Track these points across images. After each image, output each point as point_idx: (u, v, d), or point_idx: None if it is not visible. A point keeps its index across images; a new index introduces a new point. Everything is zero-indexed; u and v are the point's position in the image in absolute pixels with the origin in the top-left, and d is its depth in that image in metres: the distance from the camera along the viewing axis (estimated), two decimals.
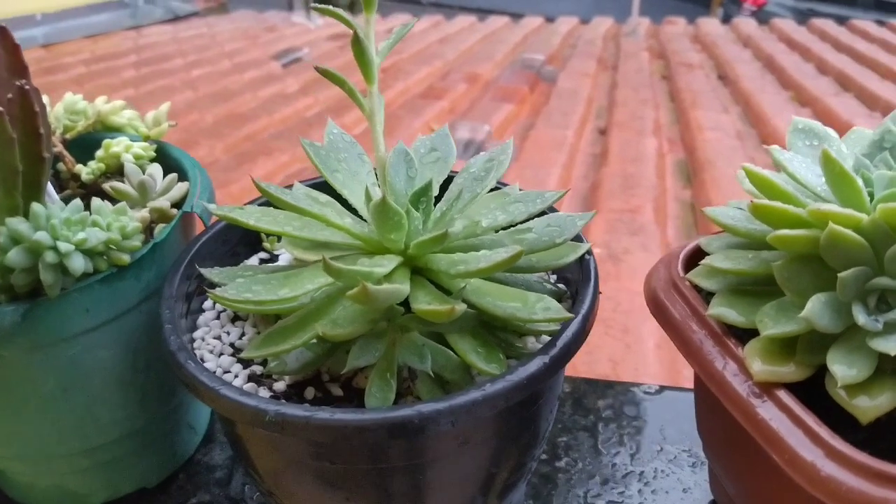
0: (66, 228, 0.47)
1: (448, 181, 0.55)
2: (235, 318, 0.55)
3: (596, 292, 0.50)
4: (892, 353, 0.39)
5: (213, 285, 0.57)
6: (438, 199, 0.52)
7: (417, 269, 0.49)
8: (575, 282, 0.55)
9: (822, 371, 0.43)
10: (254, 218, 0.50)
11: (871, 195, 0.44)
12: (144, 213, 0.55)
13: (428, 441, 0.44)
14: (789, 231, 0.41)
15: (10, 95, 0.48)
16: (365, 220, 0.52)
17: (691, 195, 2.88)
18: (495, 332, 0.49)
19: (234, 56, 5.32)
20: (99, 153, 0.63)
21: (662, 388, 0.74)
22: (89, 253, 0.49)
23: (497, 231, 0.51)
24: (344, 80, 0.50)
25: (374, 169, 0.56)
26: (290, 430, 0.41)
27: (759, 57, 5.51)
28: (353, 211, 0.54)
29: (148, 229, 0.58)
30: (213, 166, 3.00)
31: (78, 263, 0.47)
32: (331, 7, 0.51)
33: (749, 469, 0.50)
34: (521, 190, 0.56)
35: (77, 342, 0.52)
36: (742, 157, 3.11)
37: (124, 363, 0.56)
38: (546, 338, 0.51)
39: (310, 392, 0.48)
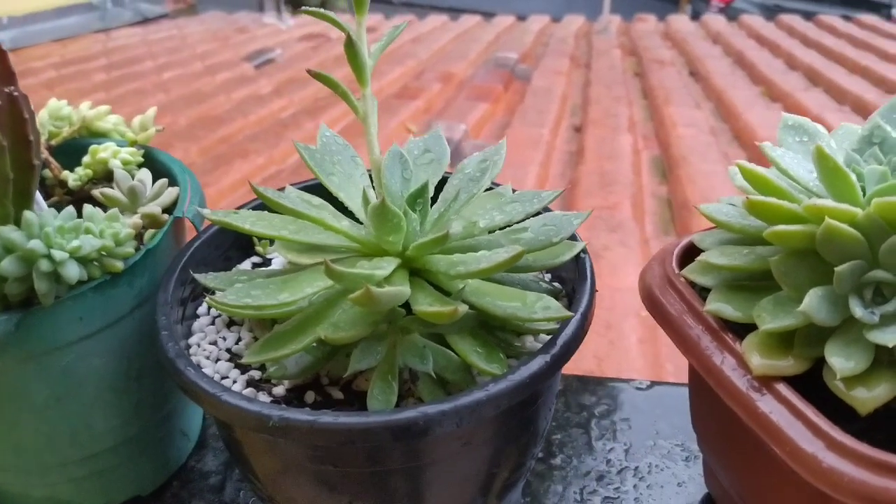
0: (59, 236, 0.47)
1: (442, 182, 0.55)
2: (231, 324, 0.54)
3: (593, 290, 0.50)
4: (889, 345, 0.39)
5: (206, 290, 0.57)
6: (433, 200, 0.52)
7: (415, 271, 0.49)
8: (570, 280, 0.56)
9: (817, 364, 0.44)
10: (249, 222, 0.50)
11: (863, 190, 0.45)
12: (136, 219, 0.54)
13: (432, 442, 0.44)
14: (786, 226, 0.42)
15: None
16: (361, 223, 0.52)
17: (668, 191, 2.91)
18: (494, 331, 0.49)
19: (205, 58, 5.28)
20: (86, 159, 0.62)
21: (653, 384, 0.74)
22: (83, 260, 0.48)
23: (492, 231, 0.51)
24: (337, 83, 0.50)
25: (368, 171, 0.56)
26: (293, 435, 0.41)
27: (729, 53, 5.58)
28: (348, 214, 0.54)
29: (138, 235, 0.57)
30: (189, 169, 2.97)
31: (73, 271, 0.47)
32: (321, 10, 0.51)
33: (746, 462, 0.51)
34: (514, 191, 0.57)
35: (70, 351, 0.51)
36: (716, 153, 3.15)
37: (118, 371, 0.55)
38: (544, 336, 0.51)
39: (310, 396, 0.48)
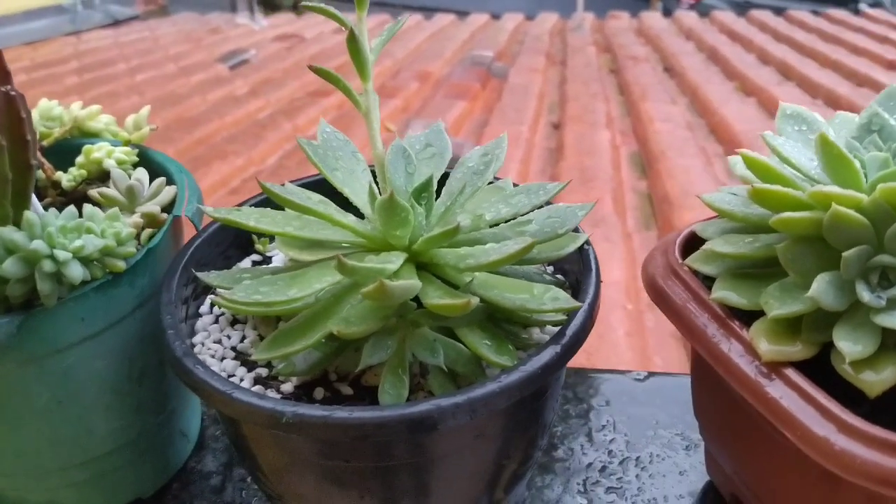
0: (62, 236, 0.46)
1: (443, 177, 0.55)
2: (234, 322, 0.54)
3: (598, 281, 0.51)
4: None
5: (207, 289, 0.56)
6: (436, 194, 0.52)
7: (421, 265, 0.49)
8: (572, 272, 0.56)
9: (822, 350, 0.44)
10: (253, 219, 0.50)
11: (865, 176, 0.45)
12: (136, 218, 0.54)
13: (445, 435, 0.44)
14: (793, 213, 0.42)
15: None
16: (364, 218, 0.52)
17: (647, 186, 2.93)
18: (500, 324, 0.49)
19: (178, 59, 5.24)
20: (79, 159, 0.61)
21: (650, 375, 0.75)
22: (85, 260, 0.48)
23: (497, 224, 0.51)
24: (339, 78, 0.50)
25: (369, 166, 0.56)
26: (307, 431, 0.41)
27: (702, 49, 5.63)
28: (351, 209, 0.53)
29: (136, 236, 0.56)
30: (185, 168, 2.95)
31: (76, 272, 0.46)
32: (323, 5, 0.50)
33: (751, 448, 0.51)
34: (515, 185, 0.57)
35: (72, 353, 0.51)
36: (694, 147, 3.18)
37: (119, 372, 0.54)
38: (550, 328, 0.51)
39: (319, 392, 0.48)
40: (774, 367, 0.44)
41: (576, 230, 0.54)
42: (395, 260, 0.46)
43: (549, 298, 0.46)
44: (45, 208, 0.52)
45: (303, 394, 0.48)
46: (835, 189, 0.42)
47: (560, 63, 5.28)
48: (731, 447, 0.56)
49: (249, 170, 3.08)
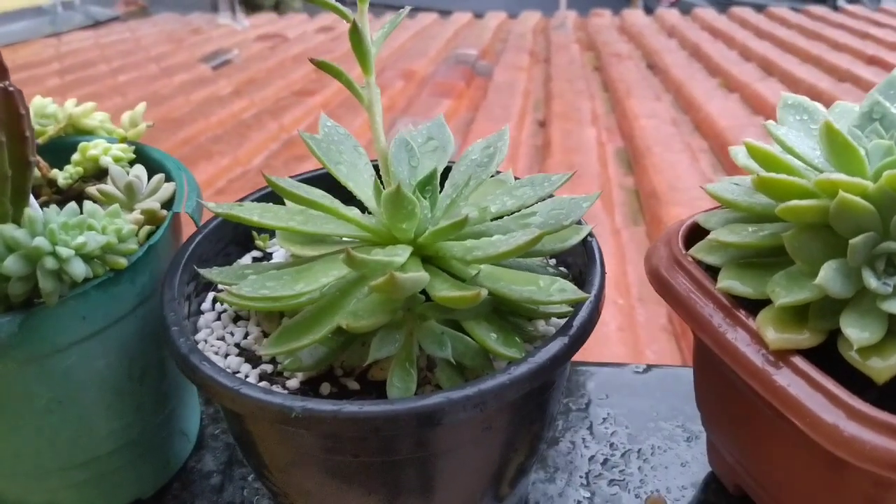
0: (64, 233, 0.46)
1: (445, 170, 0.55)
2: (237, 318, 0.53)
3: (603, 272, 0.51)
4: None
5: (208, 286, 0.56)
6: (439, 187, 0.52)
7: (426, 258, 0.49)
8: (574, 264, 0.56)
9: (827, 337, 0.44)
10: (256, 214, 0.49)
11: (868, 164, 0.45)
12: (137, 215, 0.53)
13: (455, 428, 0.44)
14: (800, 202, 0.43)
15: None
16: (369, 212, 0.52)
17: (634, 182, 2.94)
18: (506, 316, 0.49)
19: (160, 60, 5.20)
20: (75, 157, 0.60)
21: (650, 367, 0.75)
22: (87, 258, 0.47)
23: (501, 217, 0.51)
24: (341, 71, 0.50)
25: (371, 160, 0.56)
26: (316, 426, 0.41)
27: (684, 46, 5.66)
28: (352, 204, 0.53)
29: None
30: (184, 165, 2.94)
31: (79, 269, 0.45)
32: None
33: (757, 437, 0.52)
34: (516, 178, 0.57)
35: (73, 351, 0.50)
36: (679, 143, 3.19)
37: (120, 371, 0.54)
38: (555, 320, 0.51)
39: (325, 388, 0.47)
40: (782, 356, 0.44)
41: (578, 222, 0.54)
42: (401, 253, 0.45)
43: (556, 290, 0.46)
44: (42, 206, 0.51)
45: (309, 389, 0.48)
46: (841, 177, 0.42)
47: (544, 61, 5.29)
48: (735, 437, 0.56)
49: (235, 170, 3.06)
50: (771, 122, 0.50)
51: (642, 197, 2.72)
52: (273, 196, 0.59)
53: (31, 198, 0.53)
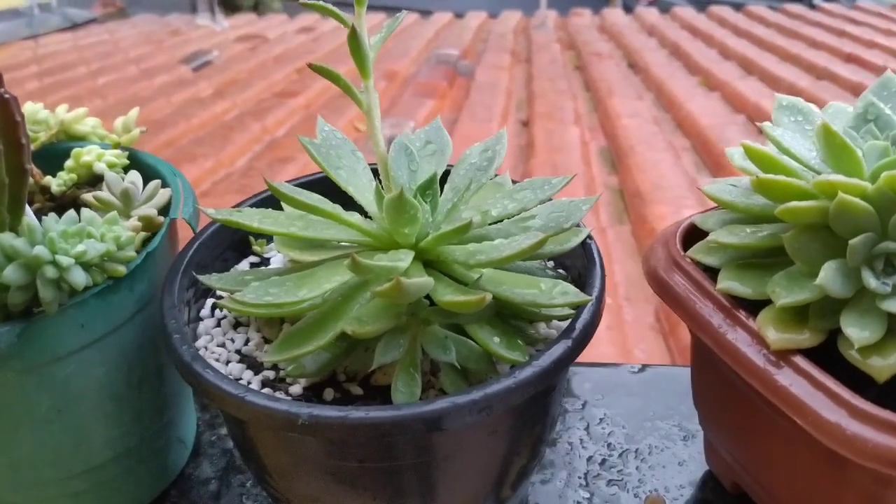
0: (63, 241, 0.45)
1: (444, 173, 0.55)
2: (237, 325, 0.53)
3: (604, 274, 0.51)
4: None
5: (206, 292, 0.55)
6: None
7: (427, 262, 0.49)
8: (573, 267, 0.56)
9: (827, 337, 0.45)
10: (256, 220, 0.49)
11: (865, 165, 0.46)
12: (135, 221, 0.53)
13: (461, 432, 0.44)
14: (799, 203, 0.43)
15: None
16: (369, 217, 0.52)
17: (619, 181, 2.96)
18: (508, 319, 0.49)
19: (140, 62, 5.16)
20: (69, 163, 0.60)
21: (644, 367, 0.76)
22: (86, 266, 0.47)
23: (501, 220, 0.51)
24: (339, 75, 0.50)
25: (369, 165, 0.56)
26: (323, 432, 0.41)
27: (664, 45, 5.70)
28: (351, 208, 0.53)
29: None
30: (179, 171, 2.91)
31: (79, 277, 0.45)
32: (321, 3, 0.50)
33: (755, 435, 0.52)
34: (514, 182, 0.57)
35: (72, 360, 0.50)
36: (662, 142, 3.21)
37: (119, 379, 0.53)
38: (557, 323, 0.51)
39: (329, 393, 0.47)
40: (783, 355, 0.44)
41: (577, 225, 0.54)
42: (404, 258, 0.45)
43: (558, 293, 0.46)
44: (35, 213, 0.51)
45: (312, 395, 0.47)
46: (840, 178, 0.42)
47: (525, 61, 5.31)
48: (734, 435, 0.56)
49: (219, 172, 3.04)
50: (767, 123, 0.50)
51: (627, 196, 2.74)
52: (270, 201, 0.58)
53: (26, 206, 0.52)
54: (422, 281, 0.42)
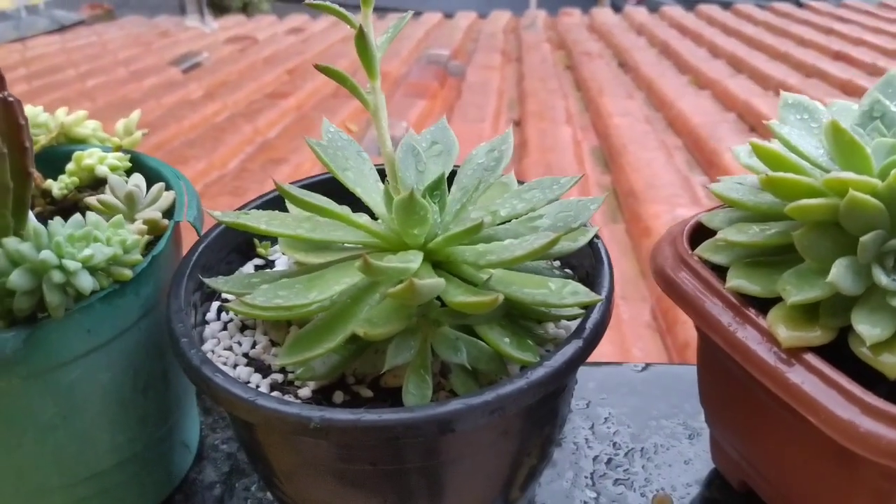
0: (70, 245, 0.45)
1: (451, 174, 0.55)
2: (244, 328, 0.53)
3: (612, 273, 0.51)
4: None
5: (212, 295, 0.55)
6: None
7: (435, 263, 0.49)
8: (581, 266, 0.56)
9: (838, 334, 0.45)
10: (264, 222, 0.49)
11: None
12: (140, 225, 0.52)
13: (474, 434, 0.44)
14: (809, 200, 0.43)
15: None
16: (376, 218, 0.51)
17: (612, 180, 2.96)
18: (517, 320, 0.49)
19: (129, 64, 5.14)
20: (70, 167, 0.59)
21: (647, 366, 0.76)
22: (93, 270, 0.46)
23: (509, 220, 0.51)
24: (346, 76, 0.49)
25: (375, 166, 0.55)
26: (336, 435, 0.40)
27: (654, 44, 5.71)
28: (357, 209, 0.53)
29: None
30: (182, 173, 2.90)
31: (86, 282, 0.45)
32: (327, 3, 0.50)
33: (763, 432, 0.52)
34: (521, 182, 0.57)
35: (77, 365, 0.49)
36: (654, 141, 3.22)
37: (125, 384, 0.53)
38: (565, 323, 0.51)
39: (338, 396, 0.47)
40: (794, 353, 0.44)
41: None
42: (414, 259, 0.45)
43: (568, 292, 0.46)
44: (37, 217, 0.50)
45: (322, 398, 0.47)
46: (851, 176, 0.42)
47: (516, 60, 5.31)
48: (741, 433, 0.56)
49: (211, 174, 3.03)
50: (774, 121, 0.50)
51: (620, 195, 2.74)
52: (274, 202, 0.58)
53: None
54: (434, 282, 0.41)
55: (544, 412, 0.48)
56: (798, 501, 0.52)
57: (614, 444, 0.67)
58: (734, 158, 0.54)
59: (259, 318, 0.50)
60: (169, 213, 0.57)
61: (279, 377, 0.48)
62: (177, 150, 3.28)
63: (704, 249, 0.52)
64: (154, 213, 0.54)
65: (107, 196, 0.54)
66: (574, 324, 0.48)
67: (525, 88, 4.34)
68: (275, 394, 0.47)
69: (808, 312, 0.45)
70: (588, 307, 0.47)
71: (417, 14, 7.30)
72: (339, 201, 0.52)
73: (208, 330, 0.53)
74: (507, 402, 0.41)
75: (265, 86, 4.38)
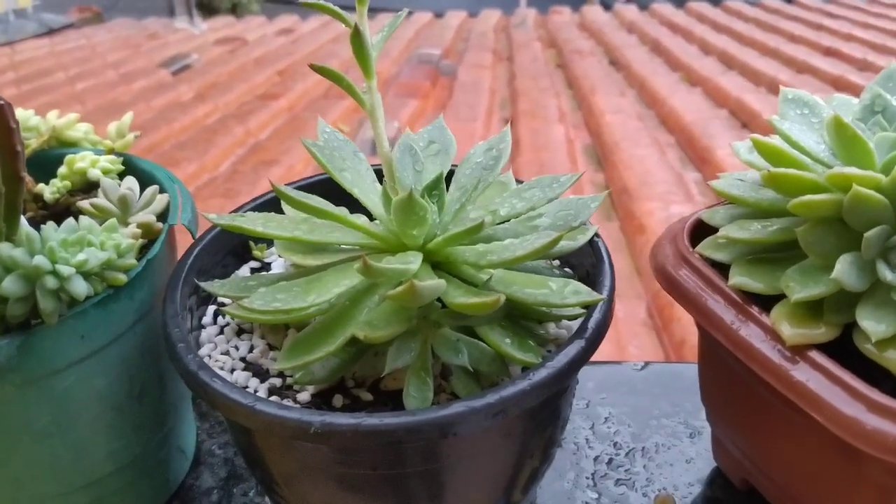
0: (63, 250, 0.44)
1: (449, 173, 0.54)
2: (240, 332, 0.52)
3: (613, 272, 0.50)
4: None
5: (207, 299, 0.54)
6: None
7: (435, 264, 0.48)
8: (581, 265, 0.56)
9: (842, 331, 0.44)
10: (260, 225, 0.48)
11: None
12: (133, 228, 0.52)
13: (476, 436, 0.43)
14: (813, 196, 0.43)
15: None
16: (374, 219, 0.51)
17: (605, 178, 2.96)
18: (518, 320, 0.49)
19: (118, 66, 5.11)
20: (62, 170, 0.59)
21: (647, 364, 0.75)
22: (87, 275, 0.45)
23: (509, 220, 0.51)
24: (342, 76, 0.49)
25: (372, 166, 0.55)
26: (337, 440, 0.40)
27: (645, 41, 5.72)
28: (354, 210, 0.52)
29: None
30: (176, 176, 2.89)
31: (80, 287, 0.44)
32: (322, 3, 0.49)
33: (766, 430, 0.52)
34: (518, 181, 0.56)
35: (72, 372, 0.48)
36: (647, 138, 3.22)
37: (120, 390, 0.52)
38: (566, 323, 0.51)
39: (338, 400, 0.46)
40: (798, 350, 0.44)
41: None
42: (413, 260, 0.45)
43: (569, 292, 0.46)
44: (29, 222, 0.49)
45: (321, 402, 0.47)
46: (854, 171, 0.42)
47: (507, 59, 5.31)
48: (743, 431, 0.56)
49: (203, 177, 3.02)
50: (775, 117, 0.50)
51: (614, 193, 2.75)
52: (270, 204, 0.57)
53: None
54: (435, 283, 0.41)
55: (546, 413, 0.48)
56: (801, 499, 0.51)
57: (615, 443, 0.67)
58: (728, 155, 0.54)
59: (257, 321, 0.49)
60: (163, 216, 0.56)
61: (277, 381, 0.48)
62: (167, 152, 3.26)
63: (706, 247, 0.52)
64: (148, 216, 0.53)
65: (100, 200, 0.54)
66: (575, 324, 0.47)
67: (517, 87, 4.34)
68: (273, 398, 0.46)
69: (813, 309, 0.45)
70: (589, 307, 0.47)
71: (408, 14, 7.29)
72: (336, 202, 0.52)
73: (205, 334, 0.52)
74: (509, 404, 0.41)
75: (256, 87, 4.37)
